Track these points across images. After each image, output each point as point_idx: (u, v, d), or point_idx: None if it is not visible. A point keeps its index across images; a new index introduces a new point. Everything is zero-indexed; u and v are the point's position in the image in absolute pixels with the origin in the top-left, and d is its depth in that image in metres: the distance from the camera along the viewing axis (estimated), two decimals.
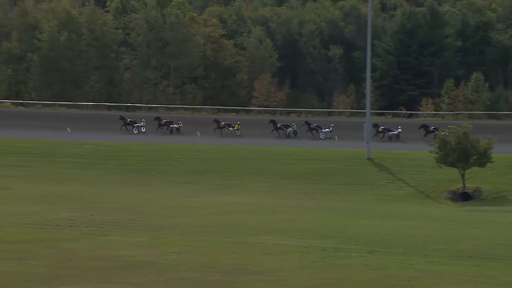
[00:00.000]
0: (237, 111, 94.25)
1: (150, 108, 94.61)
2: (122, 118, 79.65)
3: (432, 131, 74.19)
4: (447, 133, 71.43)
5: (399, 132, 75.79)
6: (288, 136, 76.60)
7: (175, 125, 78.35)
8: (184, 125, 79.03)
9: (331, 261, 29.00)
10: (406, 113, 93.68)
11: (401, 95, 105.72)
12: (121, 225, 38.82)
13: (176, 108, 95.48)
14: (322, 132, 76.14)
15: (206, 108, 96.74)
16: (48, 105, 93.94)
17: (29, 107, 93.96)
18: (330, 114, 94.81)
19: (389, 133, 75.46)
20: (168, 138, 75.61)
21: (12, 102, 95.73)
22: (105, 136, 75.43)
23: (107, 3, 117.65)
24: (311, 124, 77.03)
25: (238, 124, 78.11)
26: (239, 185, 60.23)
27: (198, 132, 77.93)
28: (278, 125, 77.05)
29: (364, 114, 72.07)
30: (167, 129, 78.15)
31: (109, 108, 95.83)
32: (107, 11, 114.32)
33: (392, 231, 38.46)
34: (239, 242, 33.29)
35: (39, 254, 29.78)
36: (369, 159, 67.14)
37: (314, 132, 76.40)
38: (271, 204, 51.28)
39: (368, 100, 71.04)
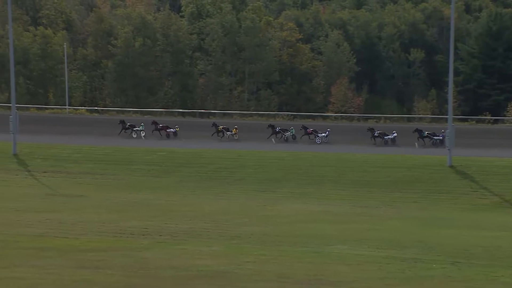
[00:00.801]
0: (313, 117, 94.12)
1: (224, 114, 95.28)
2: (122, 122, 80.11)
3: (427, 136, 74.58)
4: (440, 137, 72.42)
5: (395, 136, 75.41)
6: (286, 140, 76.71)
7: (172, 130, 78.88)
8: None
9: (411, 273, 28.67)
10: (491, 119, 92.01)
11: (485, 100, 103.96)
12: (195, 234, 39.14)
13: (251, 115, 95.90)
14: (318, 136, 75.95)
15: (281, 114, 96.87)
16: (122, 111, 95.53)
17: (103, 114, 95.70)
18: (409, 120, 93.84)
19: (385, 137, 75.07)
20: (242, 145, 75.89)
21: (87, 109, 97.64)
22: (179, 143, 76.24)
23: (182, 8, 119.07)
24: (307, 128, 77.12)
25: (236, 129, 78.27)
26: (315, 193, 60.05)
27: (273, 139, 78.10)
28: (277, 129, 77.25)
29: (446, 120, 70.94)
30: (165, 133, 78.73)
31: (183, 114, 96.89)
32: (182, 16, 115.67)
33: (476, 241, 37.79)
34: (316, 252, 33.20)
35: (114, 263, 30.28)
36: (451, 166, 66.16)
37: (312, 136, 76.26)
38: (348, 212, 51.00)
39: (450, 106, 70.01)
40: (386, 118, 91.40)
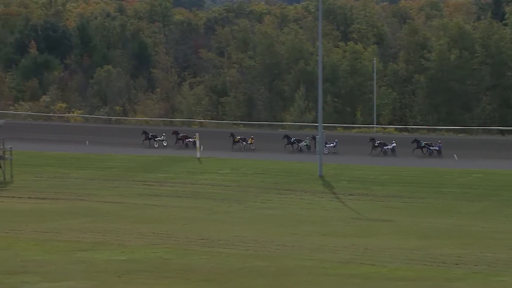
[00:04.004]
0: None
1: None
2: (144, 132, 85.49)
3: (424, 146, 79.48)
4: (437, 148, 78.40)
5: (394, 146, 80.00)
6: (300, 150, 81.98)
7: (191, 139, 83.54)
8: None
9: None
10: None
11: None
12: None
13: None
14: (326, 147, 79.05)
15: None
16: (433, 130, 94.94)
17: (413, 133, 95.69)
18: None
19: (384, 147, 79.85)
20: None
21: (396, 128, 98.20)
22: (497, 164, 74.21)
23: (506, 16, 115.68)
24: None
25: (252, 138, 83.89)
26: None
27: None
28: (292, 140, 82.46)
29: None
30: (183, 143, 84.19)
31: (502, 132, 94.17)
32: (505, 25, 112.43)
33: None
34: None
35: None
36: None
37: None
38: None
39: None
40: None
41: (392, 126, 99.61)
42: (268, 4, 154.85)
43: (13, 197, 63.81)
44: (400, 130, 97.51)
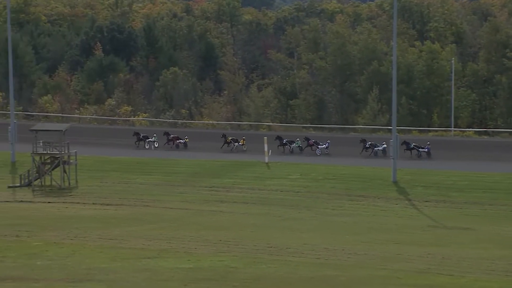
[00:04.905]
0: None
1: None
2: (136, 133, 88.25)
3: (413, 148, 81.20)
4: (425, 149, 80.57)
5: (384, 148, 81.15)
6: (292, 152, 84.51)
7: (181, 140, 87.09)
8: None
9: None
10: None
11: None
12: None
13: None
14: (318, 148, 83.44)
15: None
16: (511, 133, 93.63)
17: (494, 136, 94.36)
18: None
19: (375, 148, 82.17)
20: None
21: (475, 131, 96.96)
22: None
23: None
24: (310, 139, 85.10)
25: (244, 139, 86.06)
26: None
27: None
28: (284, 141, 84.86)
29: None
30: (173, 144, 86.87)
31: None
32: None
33: None
34: None
35: None
36: None
37: (314, 147, 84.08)
38: None
39: None
40: None
41: (471, 129, 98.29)
42: (340, 2, 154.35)
43: (78, 203, 64.83)
44: (480, 133, 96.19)
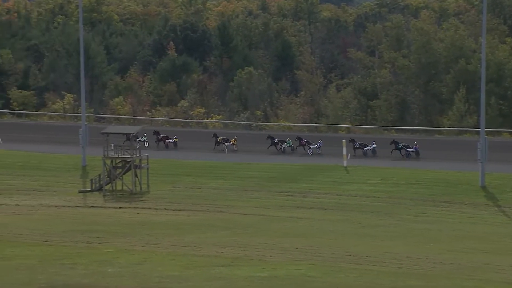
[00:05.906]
0: None
1: None
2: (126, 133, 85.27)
3: (402, 148, 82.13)
4: (413, 149, 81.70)
5: (374, 147, 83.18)
6: (283, 151, 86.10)
7: (171, 140, 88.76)
8: None
9: None
10: None
11: None
12: None
13: None
14: (310, 148, 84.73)
15: None
16: None
17: None
18: None
19: (364, 148, 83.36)
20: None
21: None
22: None
23: None
24: (302, 139, 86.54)
25: (235, 139, 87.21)
26: None
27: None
28: (275, 140, 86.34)
29: None
30: (164, 143, 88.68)
31: None
32: None
33: None
34: None
35: None
36: None
37: (306, 147, 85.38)
38: None
39: None
40: None
41: None
42: None
43: (150, 208, 65.44)
44: None
